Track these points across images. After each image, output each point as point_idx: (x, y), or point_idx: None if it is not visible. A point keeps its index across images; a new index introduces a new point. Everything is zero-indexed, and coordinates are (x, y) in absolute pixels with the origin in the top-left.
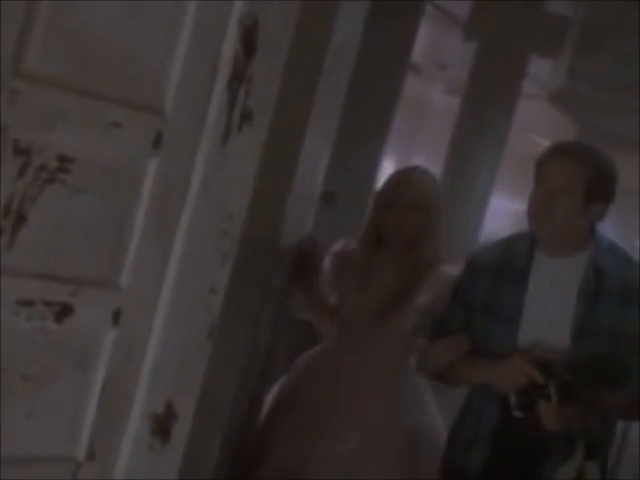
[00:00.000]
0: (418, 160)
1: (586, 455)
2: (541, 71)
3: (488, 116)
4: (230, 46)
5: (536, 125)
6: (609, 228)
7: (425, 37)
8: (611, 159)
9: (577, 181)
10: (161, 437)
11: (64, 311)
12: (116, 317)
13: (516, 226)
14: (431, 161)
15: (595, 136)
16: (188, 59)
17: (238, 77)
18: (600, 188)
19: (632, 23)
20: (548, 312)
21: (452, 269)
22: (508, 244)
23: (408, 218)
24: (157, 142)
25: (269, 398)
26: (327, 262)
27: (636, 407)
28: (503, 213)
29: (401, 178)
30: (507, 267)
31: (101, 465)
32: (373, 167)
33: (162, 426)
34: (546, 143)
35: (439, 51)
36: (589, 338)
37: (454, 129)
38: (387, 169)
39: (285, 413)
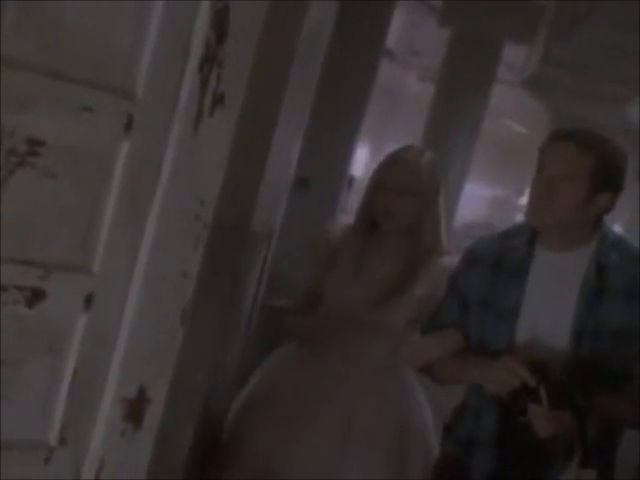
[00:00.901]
0: (392, 146)
1: (582, 463)
2: (515, 57)
3: (462, 102)
4: (201, 30)
5: (510, 111)
6: None
7: (399, 23)
8: (619, 146)
9: (580, 169)
10: (133, 422)
11: (36, 296)
12: (88, 302)
13: (489, 212)
14: (405, 144)
15: (567, 122)
16: (159, 43)
17: (209, 61)
18: (606, 177)
19: (605, 10)
20: (547, 309)
21: (452, 260)
22: (508, 236)
23: (397, 203)
24: (128, 126)
25: (243, 393)
26: (318, 246)
27: (633, 413)
28: (477, 199)
29: (392, 159)
30: (506, 260)
31: (73, 450)
32: (347, 153)
33: (134, 411)
34: (520, 129)
35: (413, 37)
36: (590, 338)
37: (428, 115)
38: (361, 155)
39: (262, 409)
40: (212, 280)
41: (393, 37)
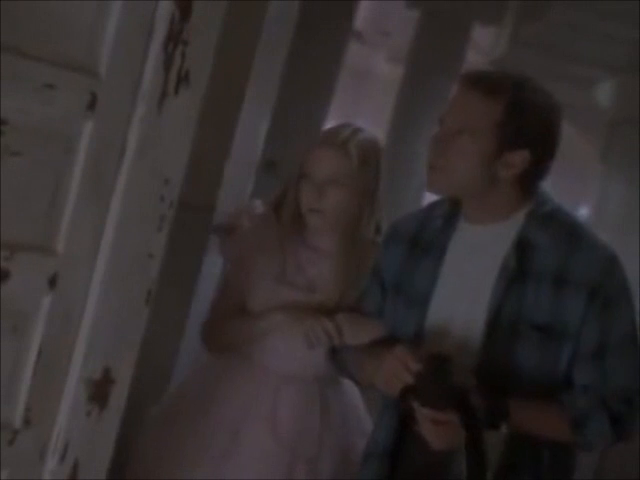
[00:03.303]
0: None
1: (469, 478)
2: (483, 39)
3: (431, 84)
4: (165, 7)
5: None
6: None
7: (368, 4)
8: (545, 95)
9: (483, 119)
10: (99, 403)
11: (0, 277)
12: (52, 282)
13: None
14: (374, 128)
15: None
16: (122, 20)
17: (174, 39)
18: (519, 129)
19: None
20: (463, 294)
21: None
22: (430, 210)
23: (324, 196)
24: (92, 104)
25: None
26: (232, 240)
27: (560, 429)
28: None
29: (319, 143)
30: (423, 236)
31: (37, 432)
32: (315, 134)
33: (99, 392)
34: None
35: (382, 18)
36: (507, 331)
37: (397, 96)
38: None
39: (178, 433)
40: (178, 260)
41: (361, 18)
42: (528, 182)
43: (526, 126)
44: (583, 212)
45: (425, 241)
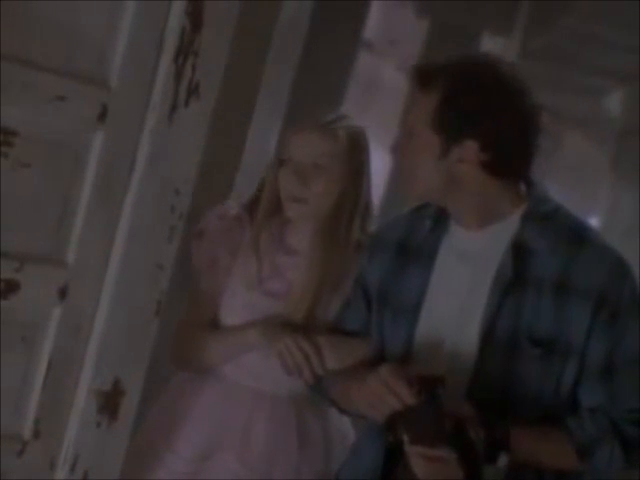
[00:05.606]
0: (369, 135)
1: None
2: (492, 49)
3: None
4: (176, 19)
5: None
6: None
7: (377, 13)
8: (497, 77)
9: (424, 115)
10: (108, 415)
11: (10, 287)
12: (62, 293)
13: None
14: (382, 138)
15: (547, 114)
16: (133, 31)
17: (184, 51)
18: (459, 119)
19: (584, 1)
20: (455, 304)
21: None
22: (418, 211)
23: (305, 182)
24: (102, 116)
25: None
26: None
27: (566, 457)
28: None
29: (302, 125)
30: (410, 242)
31: (47, 443)
32: None
33: (109, 403)
34: None
35: (391, 27)
36: (504, 347)
37: (406, 105)
38: None
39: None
40: (188, 270)
41: (371, 26)
42: (503, 177)
43: (464, 115)
44: (593, 222)
45: (413, 246)
